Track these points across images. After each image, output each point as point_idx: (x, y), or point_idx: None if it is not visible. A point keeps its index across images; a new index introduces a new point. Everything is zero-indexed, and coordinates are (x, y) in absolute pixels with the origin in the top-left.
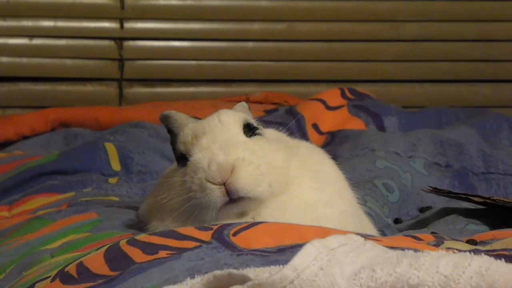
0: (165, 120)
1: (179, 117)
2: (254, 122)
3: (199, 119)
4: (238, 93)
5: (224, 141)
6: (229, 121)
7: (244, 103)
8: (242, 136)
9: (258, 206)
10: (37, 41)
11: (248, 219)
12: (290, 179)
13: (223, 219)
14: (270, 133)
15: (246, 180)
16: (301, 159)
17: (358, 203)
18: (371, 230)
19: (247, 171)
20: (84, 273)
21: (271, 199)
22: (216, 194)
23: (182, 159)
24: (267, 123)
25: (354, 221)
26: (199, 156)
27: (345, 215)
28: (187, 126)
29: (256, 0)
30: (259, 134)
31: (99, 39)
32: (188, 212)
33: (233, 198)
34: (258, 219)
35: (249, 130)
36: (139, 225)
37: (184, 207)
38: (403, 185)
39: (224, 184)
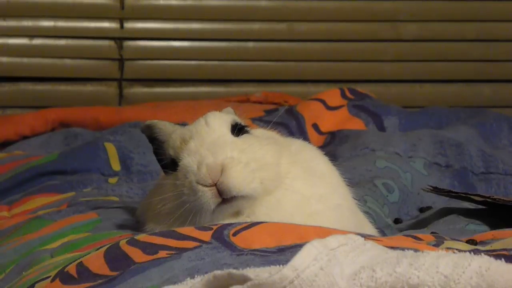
0: (148, 130)
1: (163, 125)
2: (242, 122)
3: (183, 126)
4: (238, 93)
5: (212, 143)
6: (215, 123)
7: (229, 108)
8: (229, 136)
9: (252, 204)
10: (37, 41)
11: (244, 218)
12: (283, 175)
13: (219, 220)
14: (260, 132)
15: (236, 179)
16: (293, 156)
17: (354, 199)
18: (367, 224)
19: (237, 170)
20: (84, 273)
21: (264, 196)
22: (208, 196)
23: (172, 164)
24: (267, 123)
25: (350, 215)
26: (188, 160)
27: (340, 209)
28: (175, 132)
29: (256, 0)
30: (247, 133)
31: (99, 39)
32: (183, 217)
33: (225, 198)
34: (253, 218)
35: (238, 130)
36: (139, 225)
37: (179, 213)
38: (403, 185)
39: (215, 185)
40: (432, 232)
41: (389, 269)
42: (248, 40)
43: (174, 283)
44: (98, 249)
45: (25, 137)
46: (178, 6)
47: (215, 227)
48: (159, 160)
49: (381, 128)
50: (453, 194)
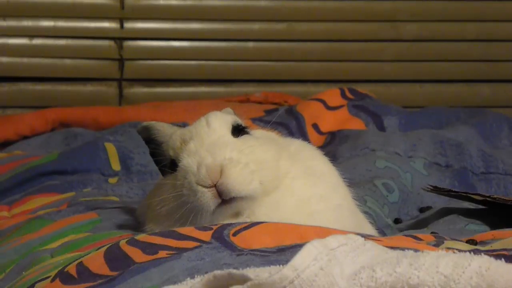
0: (145, 132)
1: (161, 126)
2: (242, 123)
3: (182, 127)
4: (238, 93)
5: (211, 144)
6: (215, 124)
7: (229, 109)
8: (229, 137)
9: (252, 205)
10: (37, 41)
11: (243, 219)
12: (282, 175)
13: (218, 221)
14: (260, 133)
15: (236, 180)
16: (293, 156)
17: (354, 200)
18: (367, 224)
19: (236, 171)
20: (84, 273)
21: (264, 197)
22: (208, 196)
23: (172, 165)
24: (267, 123)
25: (350, 215)
26: (188, 161)
27: (340, 209)
28: (175, 132)
29: (256, 0)
30: (247, 133)
31: (99, 39)
32: (183, 218)
33: (225, 199)
34: (252, 218)
35: (238, 131)
36: (139, 226)
37: (179, 213)
38: (403, 185)
39: (215, 186)
40: (432, 232)
41: (389, 269)
42: (248, 40)
43: (174, 283)
44: (98, 249)
45: (25, 137)
46: (178, 6)
47: (215, 227)
48: (156, 161)
49: (381, 128)
50: (453, 193)
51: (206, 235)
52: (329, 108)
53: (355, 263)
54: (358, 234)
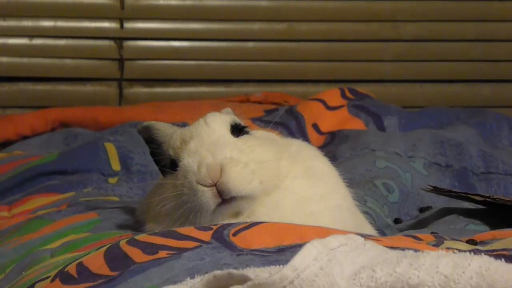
0: (146, 131)
1: (161, 126)
2: (241, 122)
3: (182, 127)
4: (238, 93)
5: (212, 143)
6: (215, 124)
7: (228, 109)
8: (229, 137)
9: (252, 205)
10: (37, 41)
11: (243, 218)
12: (282, 175)
13: (218, 220)
14: (260, 133)
15: (236, 179)
16: (293, 156)
17: (354, 200)
18: (366, 225)
19: (236, 170)
20: (84, 273)
21: (264, 197)
22: (208, 196)
23: (172, 164)
24: (267, 123)
25: (350, 215)
26: (188, 161)
27: (340, 209)
28: (175, 132)
29: (256, 0)
30: (247, 133)
31: (99, 39)
32: (183, 217)
33: (225, 198)
34: (252, 218)
35: (237, 130)
36: (139, 225)
37: (179, 213)
38: (403, 185)
39: (215, 185)
40: (432, 232)
41: (389, 269)
42: (248, 40)
43: (174, 283)
44: (98, 249)
45: (25, 137)
46: (178, 6)
47: (215, 227)
48: (156, 161)
49: (381, 128)
50: (453, 193)
51: (206, 235)
52: (329, 108)
53: (355, 263)
54: (358, 234)
